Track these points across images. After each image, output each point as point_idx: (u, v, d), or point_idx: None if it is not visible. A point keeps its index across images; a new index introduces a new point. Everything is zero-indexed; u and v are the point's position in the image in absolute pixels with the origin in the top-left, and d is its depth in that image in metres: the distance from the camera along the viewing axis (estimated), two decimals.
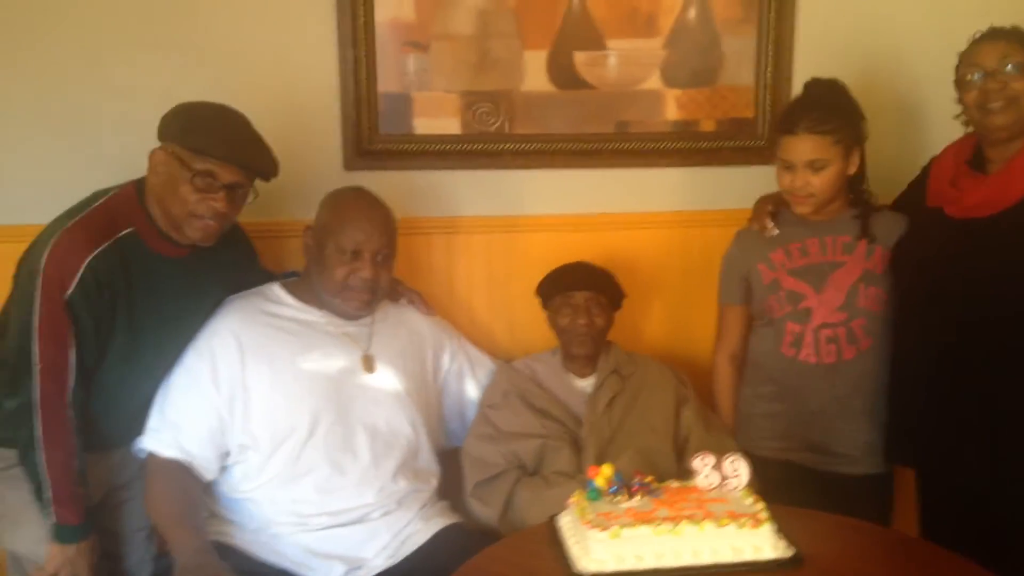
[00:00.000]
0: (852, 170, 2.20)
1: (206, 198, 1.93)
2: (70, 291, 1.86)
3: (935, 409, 2.08)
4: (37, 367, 1.85)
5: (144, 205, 1.98)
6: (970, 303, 2.00)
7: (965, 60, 2.02)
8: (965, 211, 2.03)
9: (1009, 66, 1.95)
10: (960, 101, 2.05)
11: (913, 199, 2.22)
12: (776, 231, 2.28)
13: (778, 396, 2.29)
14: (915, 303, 2.13)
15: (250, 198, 2.02)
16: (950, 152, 2.15)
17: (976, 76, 1.98)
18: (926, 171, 2.22)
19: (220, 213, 1.95)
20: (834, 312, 2.21)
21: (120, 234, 1.93)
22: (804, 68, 2.50)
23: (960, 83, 2.03)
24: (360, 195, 2.17)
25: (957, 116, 2.08)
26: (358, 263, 2.08)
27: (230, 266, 2.17)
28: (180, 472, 2.03)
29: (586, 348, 2.30)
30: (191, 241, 1.99)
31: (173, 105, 1.98)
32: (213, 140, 1.92)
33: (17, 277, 1.94)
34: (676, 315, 2.68)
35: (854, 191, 2.25)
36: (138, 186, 1.99)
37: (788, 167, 2.17)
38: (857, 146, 2.19)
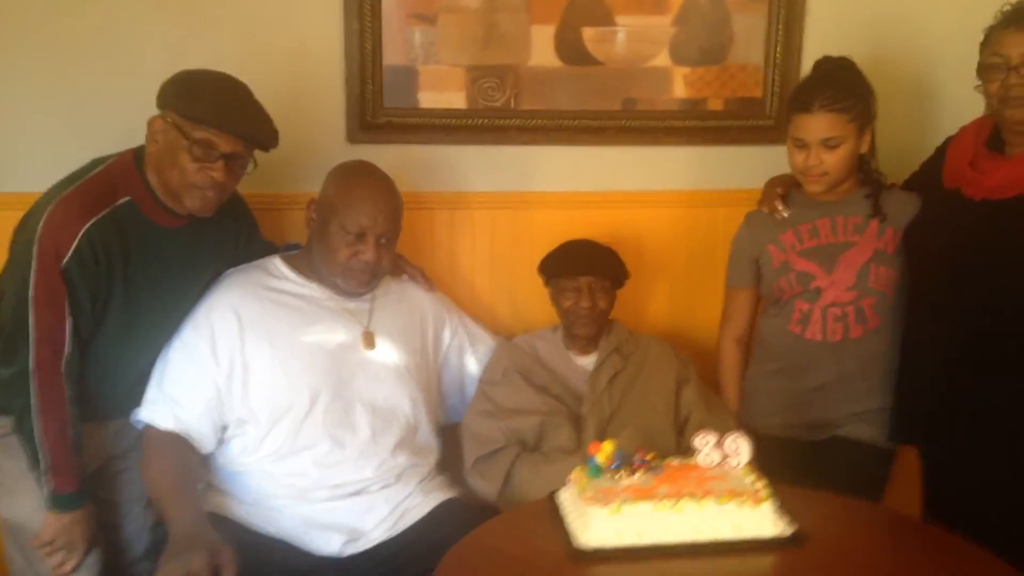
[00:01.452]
0: (864, 148, 2.17)
1: (204, 167, 1.90)
2: (66, 260, 1.83)
3: (948, 392, 2.06)
4: (34, 336, 1.84)
5: (142, 174, 1.95)
6: (990, 286, 1.97)
7: (989, 46, 1.97)
8: (985, 193, 2.00)
9: None
10: (981, 87, 2.00)
11: (928, 180, 2.19)
12: (786, 213, 2.26)
13: (781, 372, 2.28)
14: (931, 285, 2.10)
15: (248, 168, 1.99)
16: (969, 133, 2.11)
17: (999, 66, 1.93)
18: (941, 151, 2.19)
19: (218, 183, 1.92)
20: (844, 292, 2.18)
21: (117, 203, 1.91)
22: (814, 47, 2.47)
23: (982, 69, 1.98)
24: (368, 174, 2.13)
25: (977, 87, 2.01)
26: (361, 245, 2.06)
27: (230, 237, 2.15)
28: (177, 444, 2.02)
29: (588, 330, 2.28)
30: (189, 211, 1.97)
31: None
32: (212, 109, 1.89)
33: (13, 245, 1.92)
34: (680, 294, 2.66)
35: (864, 170, 2.23)
36: (136, 154, 1.97)
37: (801, 145, 2.15)
38: (869, 124, 2.16)
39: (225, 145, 1.91)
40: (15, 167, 2.33)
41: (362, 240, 2.06)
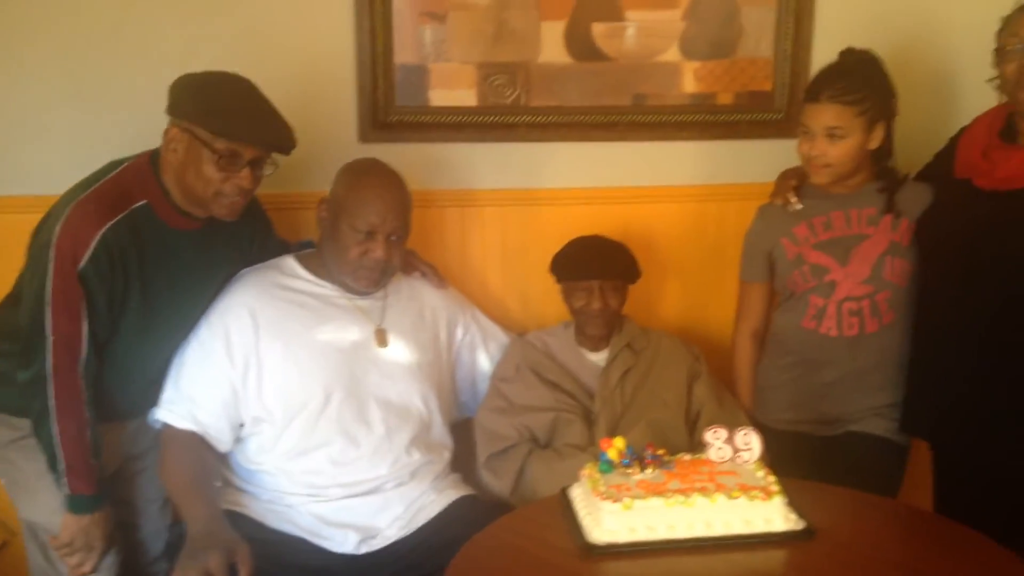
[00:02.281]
0: (873, 144, 2.16)
1: (231, 176, 1.91)
2: (83, 263, 1.85)
3: (960, 384, 2.05)
4: (50, 339, 1.85)
5: (158, 177, 1.96)
6: (1000, 277, 1.97)
7: (1007, 28, 1.95)
8: (996, 183, 1.99)
9: None
10: (996, 70, 1.98)
11: (940, 170, 2.18)
12: (799, 206, 2.25)
13: (795, 367, 2.28)
14: (943, 277, 2.09)
15: (268, 170, 2.00)
16: (982, 123, 2.10)
17: (1017, 47, 1.92)
18: (954, 141, 2.18)
19: (245, 190, 1.94)
20: (859, 285, 2.18)
21: (133, 206, 1.92)
22: (825, 40, 2.47)
23: (999, 52, 1.96)
24: (376, 172, 2.14)
25: (990, 80, 2.01)
26: (371, 243, 2.06)
27: (244, 238, 2.17)
28: (195, 443, 2.04)
29: (600, 330, 2.29)
30: (217, 217, 1.97)
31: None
32: (234, 121, 1.89)
33: (31, 248, 1.93)
34: (691, 290, 2.66)
35: (879, 165, 2.22)
36: (152, 157, 1.98)
37: (807, 134, 2.15)
38: (882, 120, 2.15)
39: (249, 152, 1.92)
40: (33, 170, 2.34)
41: (372, 238, 2.07)
